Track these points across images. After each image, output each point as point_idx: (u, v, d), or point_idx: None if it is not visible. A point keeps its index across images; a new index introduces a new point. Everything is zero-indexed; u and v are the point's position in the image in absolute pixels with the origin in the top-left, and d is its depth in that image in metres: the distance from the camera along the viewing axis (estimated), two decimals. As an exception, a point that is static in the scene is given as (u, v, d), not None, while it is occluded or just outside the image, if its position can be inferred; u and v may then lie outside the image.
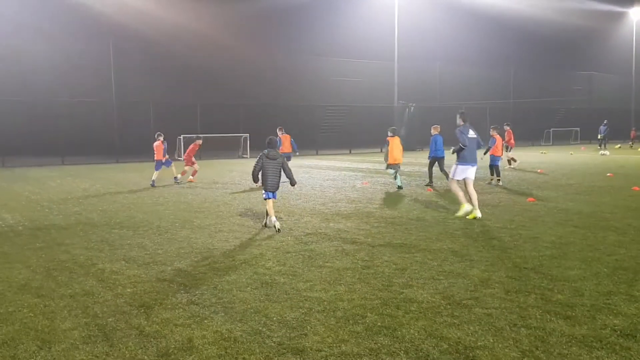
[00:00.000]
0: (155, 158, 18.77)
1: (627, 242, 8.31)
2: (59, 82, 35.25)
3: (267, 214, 10.20)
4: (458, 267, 7.03)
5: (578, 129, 52.04)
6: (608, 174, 19.44)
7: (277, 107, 42.23)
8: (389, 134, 16.18)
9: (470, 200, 10.94)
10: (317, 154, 37.77)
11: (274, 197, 10.32)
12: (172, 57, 39.48)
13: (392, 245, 8.43)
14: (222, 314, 5.45)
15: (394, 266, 7.17)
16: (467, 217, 10.73)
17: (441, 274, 6.76)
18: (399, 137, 16.60)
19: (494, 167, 17.11)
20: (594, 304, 5.48)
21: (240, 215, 11.69)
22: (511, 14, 50.70)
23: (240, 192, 16.03)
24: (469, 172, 10.99)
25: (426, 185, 16.66)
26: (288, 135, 20.60)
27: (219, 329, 5.03)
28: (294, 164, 28.25)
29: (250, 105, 41.82)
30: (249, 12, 43.94)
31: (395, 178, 16.28)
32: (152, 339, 4.84)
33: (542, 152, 36.70)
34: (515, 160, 23.17)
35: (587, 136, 49.94)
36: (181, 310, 5.60)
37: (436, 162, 16.70)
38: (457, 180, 11.11)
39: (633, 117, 56.15)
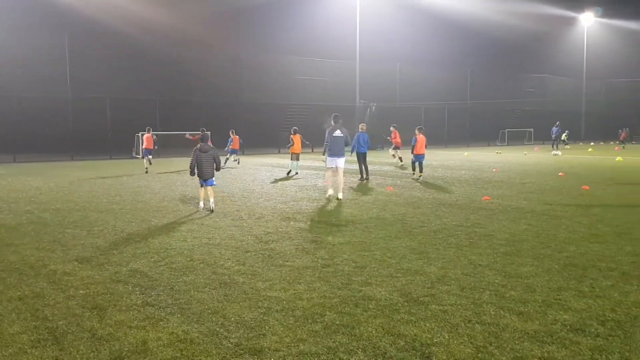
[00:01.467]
0: (145, 147, 22.92)
1: (577, 239, 8.57)
2: (10, 75, 34.03)
3: (201, 197, 12.22)
4: (416, 265, 7.11)
5: (532, 129, 53.51)
6: (560, 174, 20.03)
7: (240, 105, 41.92)
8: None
9: (336, 186, 13.75)
10: (279, 152, 37.67)
11: (211, 183, 11.97)
12: (131, 51, 38.63)
13: (352, 244, 8.47)
14: (179, 315, 5.36)
15: (354, 264, 7.20)
16: (332, 198, 13.52)
17: (399, 271, 6.83)
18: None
19: (418, 164, 18.74)
20: (545, 300, 5.63)
21: (199, 214, 11.54)
22: (468, 17, 51.78)
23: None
24: (338, 162, 13.75)
25: (360, 180, 18.13)
26: (237, 137, 25.31)
27: (174, 331, 4.95)
28: (255, 162, 28.12)
29: (211, 102, 41.38)
30: (213, 8, 43.46)
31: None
32: (104, 342, 4.72)
33: (497, 152, 37.56)
34: (401, 160, 25.22)
35: (541, 137, 51.43)
36: (136, 312, 5.49)
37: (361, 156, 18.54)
38: (330, 167, 13.88)
39: (584, 119, 58.08)
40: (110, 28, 37.70)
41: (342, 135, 13.78)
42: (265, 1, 45.51)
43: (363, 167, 18.54)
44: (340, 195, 13.49)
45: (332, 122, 13.95)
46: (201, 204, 12.13)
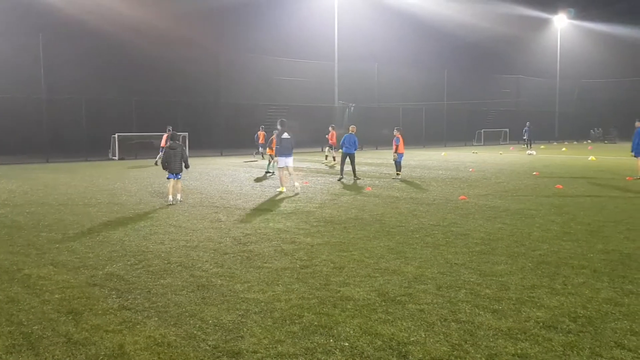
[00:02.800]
0: (162, 145, 25.20)
1: (550, 237, 8.74)
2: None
3: (169, 193, 13.43)
4: (393, 265, 7.19)
5: (507, 129, 54.22)
6: (534, 173, 20.35)
7: (218, 105, 41.69)
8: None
9: (285, 183, 15.50)
10: (258, 152, 37.49)
11: (177, 177, 13.43)
12: (107, 52, 38.13)
13: (330, 244, 8.52)
14: (156, 319, 5.34)
15: (332, 265, 7.25)
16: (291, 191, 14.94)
17: (377, 271, 6.89)
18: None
19: (397, 163, 19.10)
20: (519, 297, 5.74)
21: (176, 216, 11.48)
22: (444, 19, 52.33)
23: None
24: (287, 162, 15.36)
25: (338, 180, 18.47)
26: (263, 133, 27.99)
27: (152, 334, 4.93)
28: (234, 162, 27.99)
29: (189, 102, 41.09)
30: (190, 7, 43.11)
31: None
32: (80, 347, 4.69)
33: (473, 152, 37.97)
34: (334, 159, 25.95)
35: (516, 137, 52.13)
36: (112, 315, 5.45)
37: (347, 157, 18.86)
38: (281, 167, 15.44)
39: (557, 119, 59.03)
40: (85, 28, 37.14)
41: (289, 137, 15.47)
42: (243, 1, 45.33)
43: (351, 168, 18.98)
44: (297, 184, 15.32)
45: (279, 127, 15.62)
46: (170, 198, 13.36)
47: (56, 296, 6.11)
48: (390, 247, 8.28)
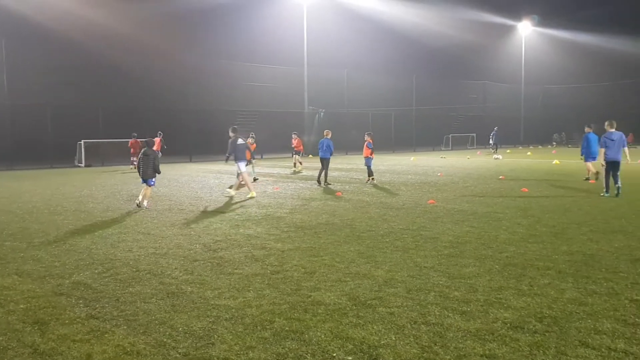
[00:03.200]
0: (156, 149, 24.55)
1: (516, 240, 8.92)
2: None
3: (140, 195, 13.81)
4: (364, 269, 7.24)
5: (474, 134, 55.15)
6: (500, 177, 20.74)
7: (186, 112, 41.34)
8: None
9: (237, 186, 16.30)
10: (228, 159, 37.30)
11: (150, 183, 13.81)
12: (73, 58, 37.37)
13: (301, 250, 8.53)
14: (125, 327, 5.27)
15: (303, 270, 7.26)
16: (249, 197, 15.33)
17: (348, 275, 6.93)
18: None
19: (368, 168, 19.23)
20: (487, 299, 5.85)
21: (145, 223, 11.33)
22: (412, 26, 53.03)
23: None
24: (241, 166, 15.93)
25: (325, 184, 18.58)
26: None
27: (120, 343, 4.87)
28: (203, 169, 27.76)
29: (157, 108, 40.64)
30: (158, 13, 42.67)
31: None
32: (47, 357, 4.60)
33: (442, 157, 38.49)
34: (301, 164, 26.88)
35: (483, 141, 53.07)
36: (79, 325, 5.36)
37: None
38: (243, 171, 15.92)
39: (523, 123, 60.27)
40: (50, 34, 36.43)
41: (244, 142, 16.33)
42: (211, 7, 45.10)
43: (323, 173, 18.95)
44: (233, 192, 16.10)
45: (231, 133, 16.24)
46: (139, 198, 13.78)
47: (21, 306, 5.97)
48: (360, 251, 8.34)
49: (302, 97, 45.78)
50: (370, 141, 19.29)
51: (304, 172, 24.99)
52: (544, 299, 5.83)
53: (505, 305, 5.63)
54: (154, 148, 25.43)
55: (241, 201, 14.73)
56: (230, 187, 16.71)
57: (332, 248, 8.61)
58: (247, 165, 19.59)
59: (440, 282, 6.51)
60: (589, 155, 18.71)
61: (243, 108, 43.75)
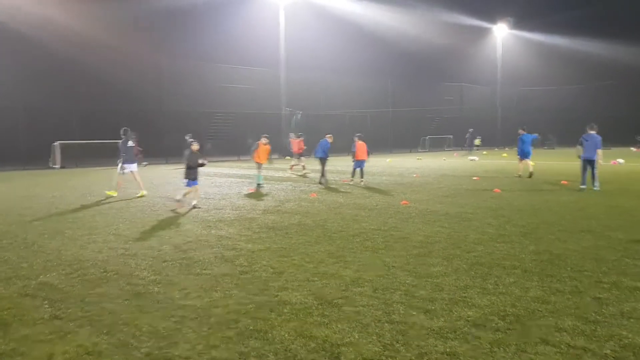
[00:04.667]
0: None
1: (485, 240, 9.04)
2: None
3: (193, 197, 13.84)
4: (332, 269, 7.27)
5: (451, 136, 55.67)
6: (474, 178, 20.97)
7: (161, 113, 41.02)
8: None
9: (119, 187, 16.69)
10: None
11: (194, 184, 13.74)
12: (46, 59, 36.78)
13: (271, 250, 8.53)
14: (88, 327, 5.23)
15: (272, 270, 7.27)
16: (139, 196, 15.97)
17: (316, 275, 6.96)
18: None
19: (359, 170, 19.47)
20: (452, 298, 5.92)
21: (116, 225, 11.22)
22: (387, 28, 53.30)
23: (118, 200, 15.37)
24: (132, 167, 16.49)
25: (320, 184, 19.30)
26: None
27: (83, 343, 4.83)
28: (179, 171, 27.53)
29: (132, 110, 40.23)
30: (132, 13, 42.17)
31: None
32: (7, 358, 4.54)
33: (418, 159, 38.76)
34: (304, 168, 25.52)
35: (460, 143, 53.61)
36: (42, 325, 5.30)
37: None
38: (125, 173, 16.44)
39: (499, 125, 61.00)
40: (21, 36, 35.72)
41: (133, 145, 16.88)
42: (185, 8, 44.75)
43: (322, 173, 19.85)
44: (144, 193, 16.43)
45: (123, 135, 16.60)
46: (194, 202, 13.72)
47: (-17, 308, 5.88)
48: (330, 251, 8.37)
49: (278, 99, 45.73)
50: (355, 143, 19.68)
51: (281, 174, 24.93)
52: (508, 297, 5.93)
53: (469, 304, 5.71)
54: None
55: (215, 203, 14.64)
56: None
57: (303, 248, 8.63)
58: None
59: (407, 282, 6.58)
60: (523, 154, 21.47)
61: (219, 109, 43.55)
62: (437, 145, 54.43)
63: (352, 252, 8.29)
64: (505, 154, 42.56)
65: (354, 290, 6.25)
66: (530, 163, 21.48)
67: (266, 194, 16.42)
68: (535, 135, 22.87)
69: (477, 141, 46.97)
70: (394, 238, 9.29)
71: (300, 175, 24.01)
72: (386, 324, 5.15)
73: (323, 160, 19.96)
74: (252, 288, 6.46)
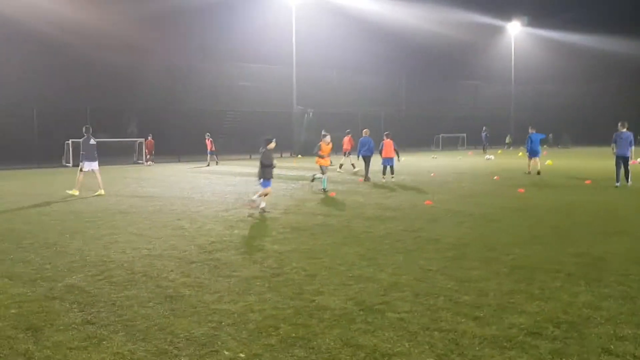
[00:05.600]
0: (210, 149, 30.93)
1: (519, 242, 8.75)
2: None
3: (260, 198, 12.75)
4: (367, 272, 7.02)
5: (465, 135, 55.18)
6: (494, 178, 20.64)
7: (174, 112, 40.92)
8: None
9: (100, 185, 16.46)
10: (216, 158, 36.90)
11: (267, 185, 12.64)
12: (59, 56, 36.78)
13: (299, 251, 8.30)
14: (123, 333, 5.01)
15: (304, 273, 7.03)
16: (96, 195, 15.97)
17: (351, 279, 6.71)
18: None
19: (389, 167, 19.74)
20: (499, 304, 5.65)
21: (137, 224, 11.03)
22: (401, 26, 52.85)
23: (137, 198, 15.20)
24: (93, 166, 16.47)
25: (365, 180, 19.67)
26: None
27: (119, 351, 4.61)
28: (193, 168, 27.45)
29: (145, 108, 40.19)
30: (145, 11, 42.05)
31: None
32: (42, 367, 4.33)
33: (433, 157, 38.38)
34: (355, 167, 25.30)
35: (473, 142, 53.15)
36: (75, 331, 5.09)
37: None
38: (86, 171, 16.36)
39: (513, 123, 60.41)
40: (35, 33, 35.72)
41: (95, 143, 16.84)
42: (199, 7, 44.57)
43: (367, 170, 20.19)
44: (102, 192, 16.27)
45: (85, 134, 16.66)
46: (261, 204, 12.61)
47: (12, 311, 5.68)
48: (360, 253, 8.12)
49: (290, 97, 45.49)
50: (382, 141, 19.97)
51: (292, 173, 24.71)
52: (557, 303, 5.65)
53: (518, 310, 5.44)
54: (209, 149, 29.39)
55: (233, 203, 14.42)
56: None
57: (331, 250, 8.39)
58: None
59: (448, 286, 6.31)
60: (532, 153, 22.09)
61: (230, 108, 43.40)
62: (450, 144, 53.96)
63: (383, 254, 8.04)
64: (521, 153, 41.99)
65: (393, 295, 5.99)
66: (538, 161, 22.19)
67: (283, 194, 16.19)
68: (544, 135, 23.80)
69: (508, 139, 47.12)
70: (424, 240, 9.02)
71: (353, 174, 23.55)
72: (435, 332, 4.89)
73: (369, 158, 20.12)
74: (287, 292, 6.22)
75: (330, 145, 17.24)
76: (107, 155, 33.07)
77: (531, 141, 22.17)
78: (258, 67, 46.10)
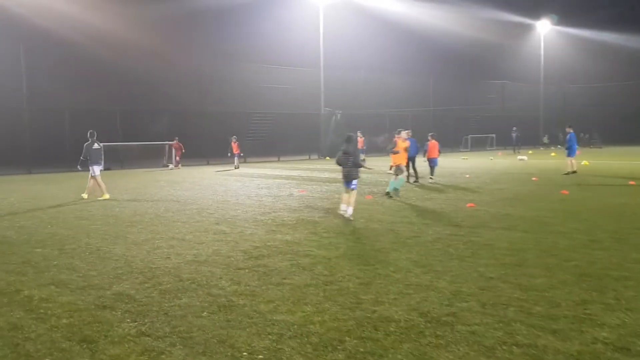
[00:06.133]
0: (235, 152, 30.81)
1: (577, 246, 8.34)
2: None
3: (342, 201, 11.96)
4: (424, 279, 6.71)
5: (494, 135, 54.28)
6: (533, 179, 20.09)
7: (202, 114, 41.02)
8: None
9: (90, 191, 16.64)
10: (245, 161, 36.94)
11: (351, 186, 11.68)
12: (90, 61, 37.16)
13: (348, 257, 8.02)
14: (181, 347, 4.80)
15: (357, 280, 6.75)
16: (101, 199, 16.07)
17: (409, 287, 6.41)
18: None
19: (431, 168, 19.92)
20: (575, 315, 5.30)
21: (177, 229, 10.88)
22: (429, 26, 52.19)
23: (172, 202, 15.10)
24: (96, 170, 16.45)
25: (414, 182, 19.29)
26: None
27: (182, 365, 4.39)
28: (222, 171, 27.37)
29: (174, 111, 40.38)
30: (172, 15, 42.32)
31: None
32: (104, 383, 4.13)
33: (463, 158, 37.77)
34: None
35: (502, 142, 52.26)
36: (132, 343, 4.89)
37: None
38: (97, 175, 16.50)
39: (542, 124, 59.25)
40: (67, 38, 36.16)
41: (99, 147, 16.80)
42: (226, 8, 44.65)
43: (413, 170, 19.87)
44: (107, 196, 16.33)
45: (90, 138, 16.57)
46: (342, 207, 11.86)
47: (64, 321, 5.52)
48: (412, 259, 7.81)
49: (318, 99, 45.28)
50: (428, 142, 20.06)
51: (327, 175, 24.42)
52: (638, 314, 5.27)
53: (598, 323, 5.08)
54: (234, 151, 29.32)
55: (270, 205, 14.22)
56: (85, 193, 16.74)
57: (381, 256, 8.10)
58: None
59: (515, 296, 5.97)
60: (571, 152, 22.11)
61: (258, 110, 43.36)
62: (479, 145, 53.14)
63: (437, 260, 7.71)
64: (554, 153, 41.15)
65: (459, 306, 5.67)
66: (574, 161, 22.14)
67: (319, 196, 15.93)
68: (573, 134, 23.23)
69: (545, 139, 46.68)
70: (477, 244, 8.66)
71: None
72: (514, 348, 4.56)
73: (413, 159, 19.77)
74: (344, 301, 5.95)
75: (408, 143, 16.35)
76: (136, 158, 33.44)
77: (570, 140, 22.38)
78: (285, 69, 45.97)
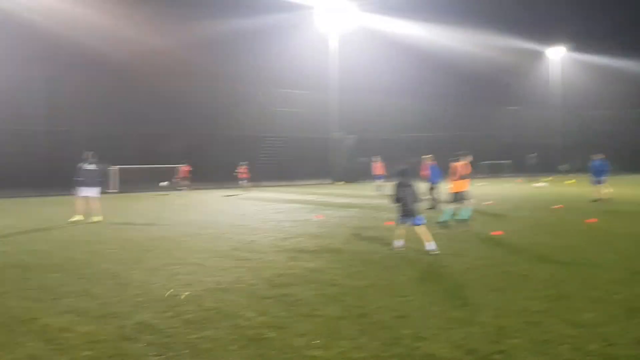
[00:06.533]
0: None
1: (621, 279, 7.89)
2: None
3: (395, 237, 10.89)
4: (464, 313, 6.31)
5: (510, 161, 53.82)
6: (557, 206, 19.61)
7: (214, 137, 41.04)
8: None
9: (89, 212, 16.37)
10: (257, 185, 36.74)
11: (417, 222, 10.53)
12: (107, 86, 37.44)
13: (378, 287, 7.63)
14: (212, 384, 4.44)
15: (393, 313, 6.36)
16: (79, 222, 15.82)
17: (449, 321, 6.01)
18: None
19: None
20: (635, 355, 4.89)
21: (196, 254, 10.55)
22: (444, 50, 52.27)
23: (188, 226, 14.80)
24: (89, 192, 16.35)
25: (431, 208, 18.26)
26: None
27: (215, 407, 4.03)
28: (234, 195, 27.15)
29: (187, 134, 40.44)
30: (186, 40, 42.61)
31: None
32: None
33: (481, 185, 37.27)
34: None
35: (518, 168, 51.76)
36: (159, 380, 4.54)
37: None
38: (83, 196, 16.32)
39: (560, 151, 58.70)
40: (84, 62, 36.47)
41: (94, 169, 16.64)
42: (238, 33, 44.87)
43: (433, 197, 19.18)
44: (95, 219, 16.16)
45: (85, 159, 16.55)
46: (397, 243, 10.74)
47: (86, 353, 5.19)
48: (447, 290, 7.41)
49: (330, 123, 45.21)
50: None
51: (351, 200, 24.07)
52: None
53: (664, 365, 4.66)
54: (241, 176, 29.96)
55: (287, 231, 13.87)
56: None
57: (414, 286, 7.70)
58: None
59: (565, 332, 5.55)
60: (595, 180, 21.98)
61: (270, 134, 43.33)
62: (495, 171, 52.64)
63: (474, 292, 7.30)
64: (573, 180, 40.53)
65: (507, 343, 5.27)
66: (602, 189, 21.94)
67: (338, 222, 15.57)
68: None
69: (566, 166, 46.71)
70: (513, 275, 8.24)
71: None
72: (578, 392, 4.16)
73: (438, 185, 19.49)
74: (382, 336, 5.57)
75: (470, 168, 15.25)
76: (152, 180, 33.34)
77: (595, 167, 22.34)
78: (299, 93, 46.05)
